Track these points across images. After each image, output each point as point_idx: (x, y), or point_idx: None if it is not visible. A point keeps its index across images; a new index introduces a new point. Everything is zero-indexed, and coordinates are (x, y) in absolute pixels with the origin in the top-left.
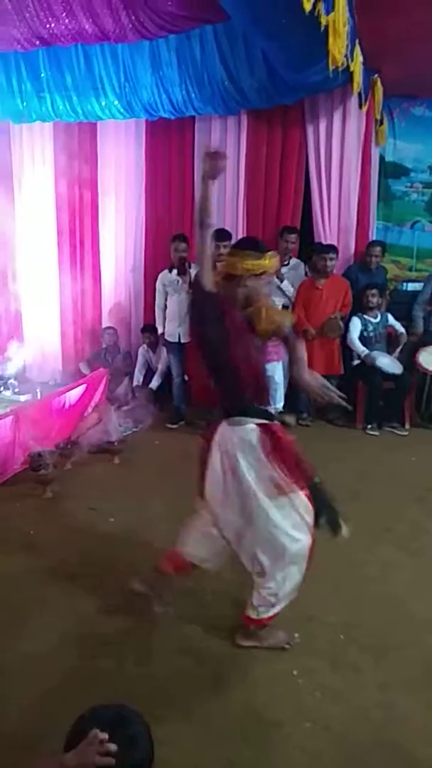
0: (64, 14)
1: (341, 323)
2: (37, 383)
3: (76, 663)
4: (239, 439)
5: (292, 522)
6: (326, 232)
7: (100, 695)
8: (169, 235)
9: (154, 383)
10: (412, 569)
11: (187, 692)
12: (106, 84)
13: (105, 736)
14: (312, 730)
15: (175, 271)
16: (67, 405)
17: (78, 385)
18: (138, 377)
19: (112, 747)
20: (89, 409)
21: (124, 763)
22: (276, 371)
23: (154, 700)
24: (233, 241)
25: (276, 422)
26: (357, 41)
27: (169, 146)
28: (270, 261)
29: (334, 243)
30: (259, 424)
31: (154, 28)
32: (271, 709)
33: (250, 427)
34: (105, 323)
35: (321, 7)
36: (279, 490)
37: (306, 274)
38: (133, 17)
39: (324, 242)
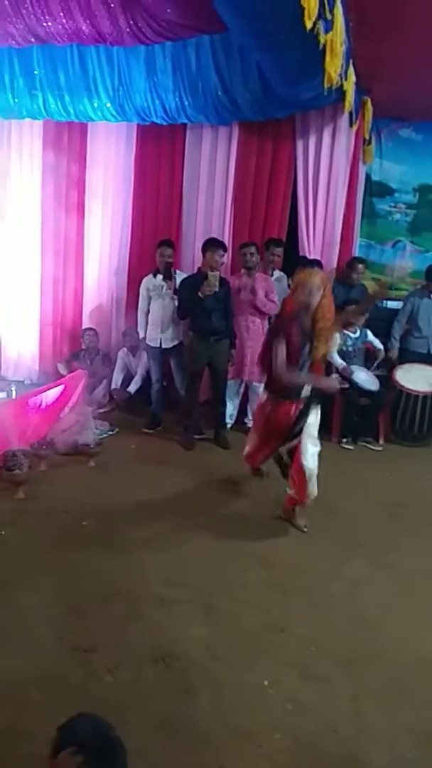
0: (62, 13)
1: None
2: (12, 381)
3: (45, 671)
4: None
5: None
6: (311, 246)
7: (69, 704)
8: (155, 240)
9: (133, 387)
10: (383, 584)
11: (157, 701)
12: (99, 86)
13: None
14: (281, 742)
15: (160, 276)
16: (43, 405)
17: (56, 386)
18: (116, 380)
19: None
20: (66, 410)
21: None
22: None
23: (123, 709)
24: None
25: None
26: (351, 62)
27: (159, 152)
28: (310, 276)
29: (318, 257)
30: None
31: (152, 33)
32: (240, 719)
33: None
34: (86, 324)
35: (320, 26)
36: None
37: (289, 286)
38: (131, 21)
39: (308, 256)
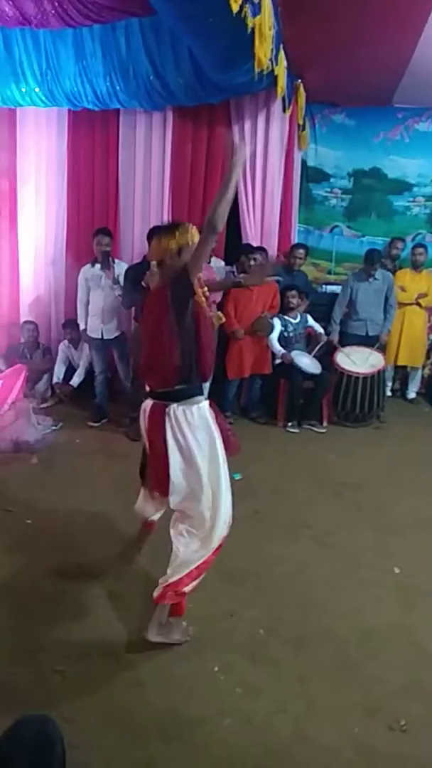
0: None
1: (271, 322)
2: None
3: None
4: (199, 417)
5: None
6: (251, 233)
7: (20, 702)
8: (92, 229)
9: (76, 380)
10: (329, 564)
11: (107, 694)
12: (26, 70)
13: None
14: (233, 726)
15: (98, 266)
16: None
17: None
18: (58, 374)
19: None
20: (5, 406)
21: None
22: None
23: (72, 705)
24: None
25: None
26: (281, 46)
27: (92, 138)
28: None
29: (258, 244)
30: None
31: (78, 16)
32: (191, 706)
33: (205, 405)
34: (24, 317)
35: (248, 9)
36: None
37: (233, 273)
38: (56, 3)
39: (252, 243)
